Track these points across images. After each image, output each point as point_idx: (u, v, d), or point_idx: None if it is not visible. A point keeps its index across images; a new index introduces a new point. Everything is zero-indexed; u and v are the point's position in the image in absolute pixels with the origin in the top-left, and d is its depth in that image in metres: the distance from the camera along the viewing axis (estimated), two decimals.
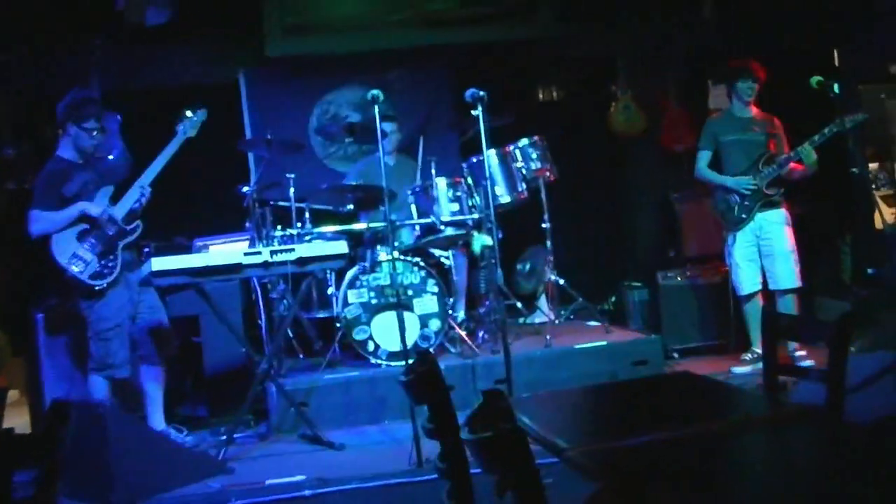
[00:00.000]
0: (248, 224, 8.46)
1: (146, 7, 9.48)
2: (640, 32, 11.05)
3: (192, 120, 7.59)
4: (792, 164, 8.12)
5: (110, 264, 7.01)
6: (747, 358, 8.36)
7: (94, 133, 7.20)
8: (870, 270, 9.17)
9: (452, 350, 8.37)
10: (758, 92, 8.38)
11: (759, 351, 7.84)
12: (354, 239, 8.59)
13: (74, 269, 6.89)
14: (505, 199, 8.64)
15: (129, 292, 7.18)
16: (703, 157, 8.55)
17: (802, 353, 8.01)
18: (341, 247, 7.30)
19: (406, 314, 7.56)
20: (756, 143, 8.33)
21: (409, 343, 7.45)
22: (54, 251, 6.91)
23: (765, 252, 8.31)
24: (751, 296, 8.37)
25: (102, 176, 7.35)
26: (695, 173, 8.62)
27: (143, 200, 7.23)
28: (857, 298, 9.04)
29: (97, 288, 6.97)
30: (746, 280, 8.35)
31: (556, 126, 10.11)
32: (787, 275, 8.24)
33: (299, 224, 8.41)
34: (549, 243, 9.05)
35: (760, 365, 5.21)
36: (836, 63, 10.27)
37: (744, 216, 8.27)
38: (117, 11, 9.40)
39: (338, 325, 8.25)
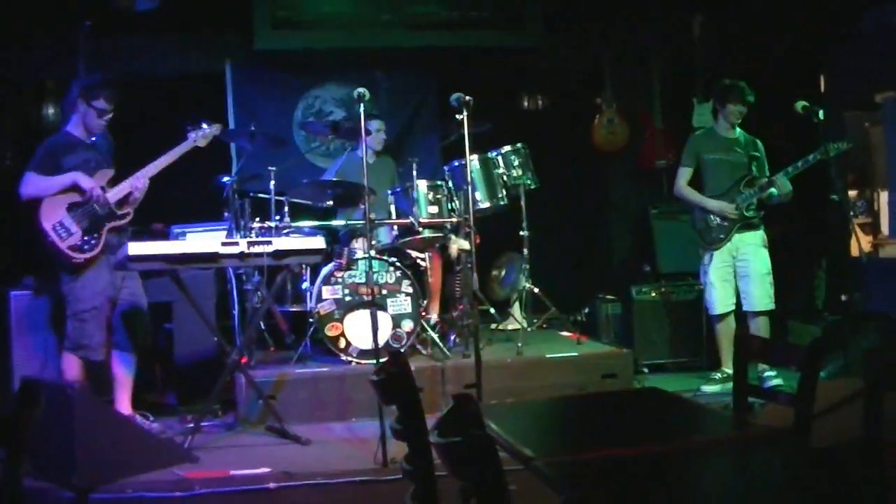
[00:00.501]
0: (226, 214, 8.47)
1: None
2: (626, 47, 11.10)
3: (205, 131, 7.61)
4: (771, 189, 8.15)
5: (92, 241, 7.02)
6: (717, 377, 8.37)
7: (103, 114, 7.24)
8: (843, 297, 9.21)
9: (423, 352, 8.38)
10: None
11: (729, 371, 7.89)
12: (332, 235, 8.61)
13: (55, 235, 6.92)
14: (485, 204, 8.66)
15: (111, 276, 7.17)
16: (684, 173, 8.56)
17: (772, 374, 8.04)
18: (318, 242, 7.30)
19: (379, 313, 7.56)
20: (738, 164, 8.35)
21: (381, 342, 7.47)
22: (41, 215, 6.95)
23: (741, 273, 8.33)
24: (723, 316, 8.38)
25: (105, 159, 7.38)
26: (674, 190, 8.64)
27: (139, 193, 7.26)
28: (828, 324, 9.09)
29: (74, 261, 6.98)
30: (720, 300, 8.37)
31: (538, 135, 10.11)
32: (762, 297, 8.25)
33: (278, 217, 8.41)
34: (525, 251, 9.06)
35: (730, 385, 5.24)
36: (822, 89, 10.31)
37: (722, 236, 8.30)
38: None
39: (310, 320, 8.26)
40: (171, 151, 7.38)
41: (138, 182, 7.23)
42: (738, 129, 8.45)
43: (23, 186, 7.00)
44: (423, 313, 8.39)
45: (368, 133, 8.21)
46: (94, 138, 7.35)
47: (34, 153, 7.15)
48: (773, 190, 8.15)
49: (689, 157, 8.57)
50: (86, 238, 7.02)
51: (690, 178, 8.54)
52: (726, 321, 8.38)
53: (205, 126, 7.62)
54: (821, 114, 7.84)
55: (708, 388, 8.28)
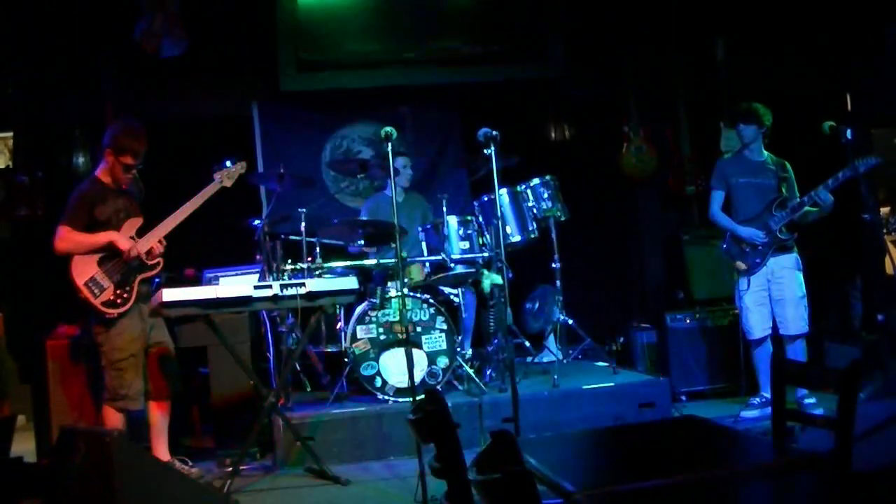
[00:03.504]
0: (258, 257, 8.49)
1: (162, 38, 9.55)
2: (650, 73, 11.08)
3: (230, 170, 7.62)
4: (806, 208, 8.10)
5: (125, 295, 7.03)
6: (755, 402, 8.31)
7: (129, 170, 7.22)
8: (879, 316, 9.13)
9: (459, 387, 8.36)
10: (766, 135, 8.37)
11: (768, 395, 7.84)
12: (364, 274, 8.61)
13: (88, 292, 6.93)
14: (515, 238, 8.67)
15: (143, 324, 7.18)
16: (717, 197, 8.52)
17: (811, 399, 7.98)
18: (351, 282, 7.30)
19: (414, 351, 7.55)
20: (768, 186, 8.31)
21: (417, 380, 7.45)
22: (73, 271, 6.95)
23: (775, 297, 8.27)
24: (761, 340, 8.32)
25: (135, 208, 7.38)
26: (709, 215, 8.59)
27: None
28: (865, 345, 9.01)
29: (107, 316, 6.99)
30: (757, 324, 8.31)
31: (566, 166, 10.12)
32: (796, 320, 8.20)
33: (309, 258, 8.43)
34: (558, 283, 9.04)
35: (768, 409, 5.20)
36: (849, 107, 10.27)
37: (757, 261, 8.25)
38: (133, 43, 9.48)
39: (346, 359, 8.24)
40: (196, 196, 7.35)
41: (165, 230, 7.26)
42: (765, 153, 8.42)
43: (57, 241, 6.97)
44: (458, 349, 8.37)
45: (396, 172, 8.22)
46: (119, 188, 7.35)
47: (66, 204, 7.15)
48: (808, 208, 8.09)
49: (719, 181, 8.53)
50: (118, 292, 7.01)
51: (723, 202, 8.51)
52: (764, 345, 8.32)
53: (228, 164, 7.62)
54: (848, 133, 7.79)
55: (747, 414, 8.22)
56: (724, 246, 8.50)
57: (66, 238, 6.98)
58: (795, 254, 8.31)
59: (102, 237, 7.03)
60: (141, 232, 7.22)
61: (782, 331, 8.27)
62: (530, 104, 11.21)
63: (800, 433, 5.97)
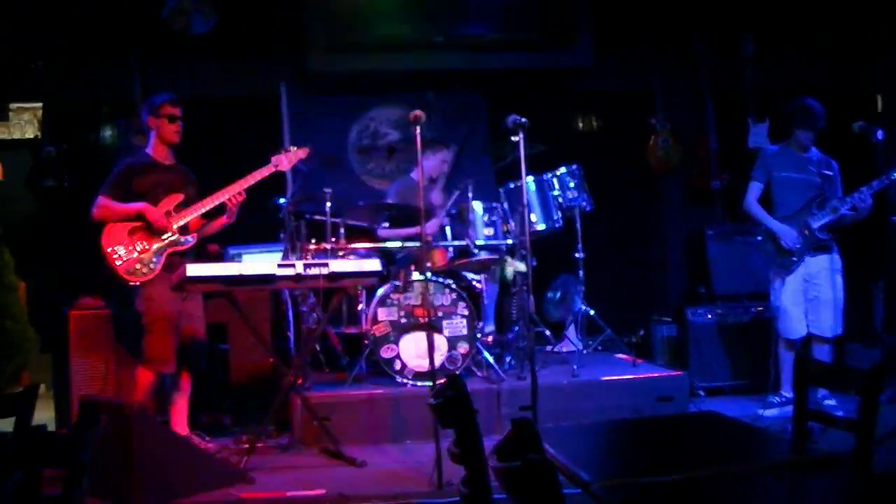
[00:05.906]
0: (282, 236, 8.50)
1: (191, 15, 9.55)
2: (678, 66, 11.04)
3: (290, 153, 7.67)
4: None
5: (151, 265, 7.10)
6: (775, 400, 8.25)
7: (174, 119, 7.41)
8: None
9: (479, 374, 8.35)
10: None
11: (788, 395, 7.81)
12: (387, 257, 8.61)
13: (114, 257, 7.07)
14: (540, 226, 8.67)
15: (173, 292, 7.20)
16: (755, 188, 8.36)
17: (831, 401, 7.92)
18: (374, 264, 7.31)
19: (435, 335, 7.55)
20: (810, 184, 8.17)
21: (437, 364, 7.45)
22: (104, 237, 7.12)
23: (810, 296, 8.13)
24: (798, 341, 8.18)
25: (179, 183, 7.47)
26: (744, 205, 8.43)
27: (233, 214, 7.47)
28: (888, 347, 8.98)
29: (129, 283, 7.10)
30: (796, 325, 8.17)
31: (592, 156, 10.10)
32: (830, 323, 8.09)
33: (333, 239, 8.43)
34: (581, 273, 9.04)
35: (788, 408, 5.19)
36: (879, 108, 10.22)
37: (794, 259, 8.12)
38: (161, 21, 9.48)
39: (366, 341, 8.25)
40: (248, 175, 7.44)
41: (203, 208, 7.34)
42: (812, 148, 8.31)
43: (93, 208, 7.20)
44: (479, 335, 8.37)
45: (433, 164, 8.23)
46: (169, 162, 7.44)
47: (109, 174, 7.35)
48: (846, 212, 8.00)
49: (760, 172, 8.37)
50: (144, 261, 7.09)
51: (761, 195, 8.43)
52: (799, 347, 8.23)
53: (292, 148, 7.69)
54: (879, 134, 7.72)
55: (766, 412, 8.18)
56: (760, 238, 8.42)
57: (101, 206, 7.19)
58: (835, 255, 8.20)
59: (133, 207, 7.18)
60: (180, 208, 7.34)
61: (813, 330, 8.15)
62: (557, 93, 11.19)
63: (819, 434, 5.96)
